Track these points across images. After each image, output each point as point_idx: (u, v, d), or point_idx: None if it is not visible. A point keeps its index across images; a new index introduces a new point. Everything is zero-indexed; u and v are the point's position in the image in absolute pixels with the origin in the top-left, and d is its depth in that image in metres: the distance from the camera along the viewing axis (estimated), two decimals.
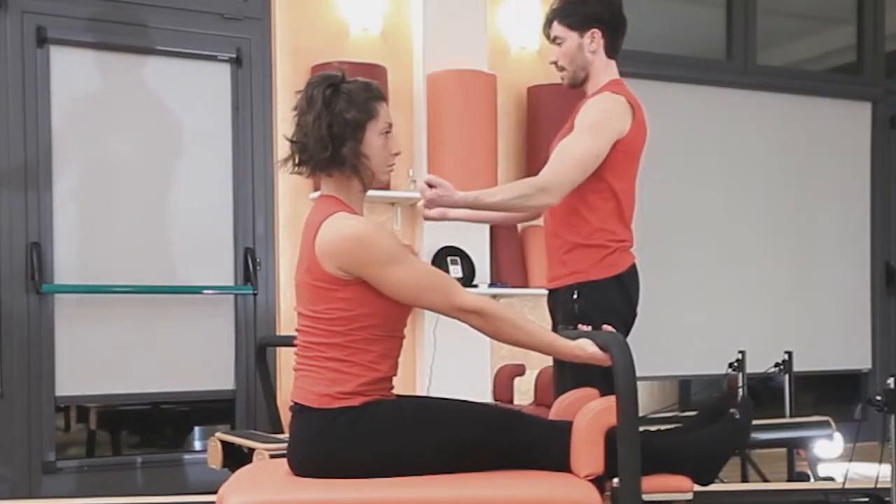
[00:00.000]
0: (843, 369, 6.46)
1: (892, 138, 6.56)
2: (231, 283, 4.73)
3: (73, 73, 4.46)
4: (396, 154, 2.46)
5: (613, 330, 2.41)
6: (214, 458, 3.91)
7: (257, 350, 4.33)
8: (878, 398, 2.77)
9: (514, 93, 5.20)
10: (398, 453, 2.28)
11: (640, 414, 2.33)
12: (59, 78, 4.42)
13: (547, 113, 4.96)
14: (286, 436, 3.81)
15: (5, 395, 4.30)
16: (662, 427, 2.71)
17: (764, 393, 5.46)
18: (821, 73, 6.65)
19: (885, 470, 3.12)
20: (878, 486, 3.30)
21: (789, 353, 4.69)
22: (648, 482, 2.31)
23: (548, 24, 3.06)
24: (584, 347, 2.32)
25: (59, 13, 4.40)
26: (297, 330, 2.42)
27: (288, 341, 4.62)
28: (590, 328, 2.53)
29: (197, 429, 4.99)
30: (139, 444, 4.91)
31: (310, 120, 2.34)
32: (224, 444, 3.86)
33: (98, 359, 4.46)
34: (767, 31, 6.20)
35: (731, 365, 4.73)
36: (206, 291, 4.68)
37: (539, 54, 5.16)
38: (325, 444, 2.29)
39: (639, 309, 3.02)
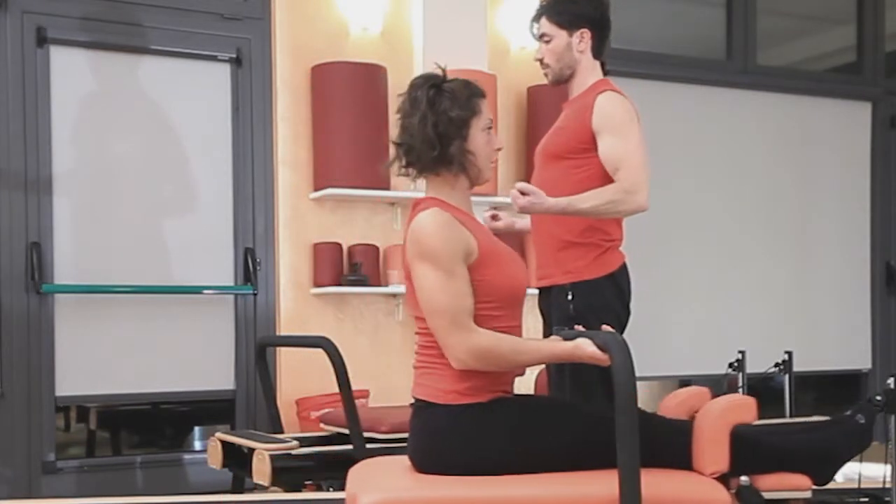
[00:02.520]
0: (843, 369, 6.46)
1: (892, 138, 6.56)
2: (231, 283, 4.73)
3: (73, 73, 4.46)
4: (499, 149, 2.49)
5: (612, 330, 2.41)
6: (214, 458, 3.92)
7: (257, 350, 4.33)
8: (878, 398, 2.77)
9: (514, 93, 5.20)
10: (524, 451, 2.31)
11: None
12: (59, 78, 4.42)
13: (547, 113, 4.91)
14: (286, 436, 3.85)
15: (5, 395, 4.30)
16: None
17: (764, 393, 5.45)
18: (820, 73, 6.65)
19: (885, 470, 3.12)
20: (878, 486, 3.31)
21: (789, 353, 4.70)
22: (769, 479, 2.41)
23: (535, 20, 3.07)
24: (583, 347, 2.32)
25: (58, 13, 4.40)
26: (416, 333, 2.42)
27: (288, 341, 4.64)
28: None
29: (197, 429, 4.99)
30: (139, 444, 4.91)
31: (415, 121, 2.37)
32: (224, 444, 3.87)
33: (98, 359, 4.46)
34: (767, 31, 6.20)
35: (731, 365, 4.74)
36: (206, 291, 4.67)
37: None
38: (452, 440, 2.31)
39: (639, 309, 3.02)
